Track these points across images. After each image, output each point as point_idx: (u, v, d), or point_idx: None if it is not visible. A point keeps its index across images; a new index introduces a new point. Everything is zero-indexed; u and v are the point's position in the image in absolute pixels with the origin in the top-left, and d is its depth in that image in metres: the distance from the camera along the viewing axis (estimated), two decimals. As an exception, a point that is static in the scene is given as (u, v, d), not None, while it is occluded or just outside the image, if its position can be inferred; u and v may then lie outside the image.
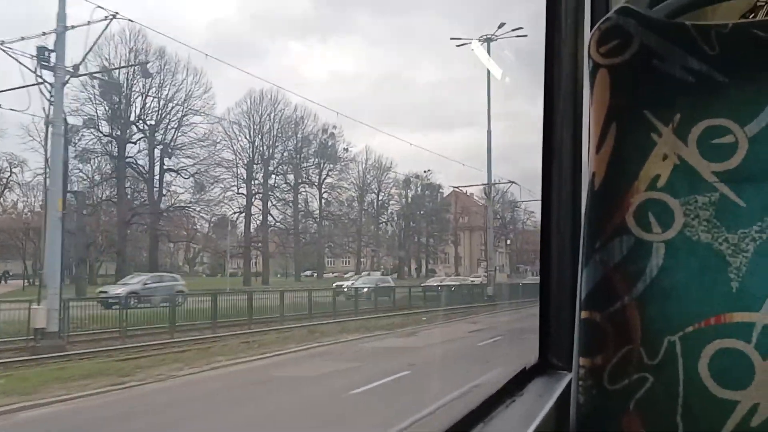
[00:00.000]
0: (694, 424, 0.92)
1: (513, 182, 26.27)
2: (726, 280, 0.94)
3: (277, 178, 29.54)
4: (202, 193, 27.52)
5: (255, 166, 28.67)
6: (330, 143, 31.29)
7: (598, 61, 1.03)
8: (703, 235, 0.96)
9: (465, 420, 1.08)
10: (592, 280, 0.98)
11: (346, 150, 31.20)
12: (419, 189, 34.96)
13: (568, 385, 1.12)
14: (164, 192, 26.60)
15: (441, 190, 34.85)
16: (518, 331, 12.54)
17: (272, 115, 29.06)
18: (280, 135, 29.45)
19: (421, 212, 35.39)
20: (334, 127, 29.45)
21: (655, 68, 1.01)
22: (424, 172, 33.74)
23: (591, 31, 1.05)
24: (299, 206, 30.88)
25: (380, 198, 34.19)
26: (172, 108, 26.46)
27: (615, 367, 0.96)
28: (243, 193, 27.80)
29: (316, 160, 31.16)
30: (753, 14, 1.76)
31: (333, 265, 33.22)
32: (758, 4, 1.74)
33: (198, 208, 27.59)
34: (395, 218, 34.10)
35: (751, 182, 0.96)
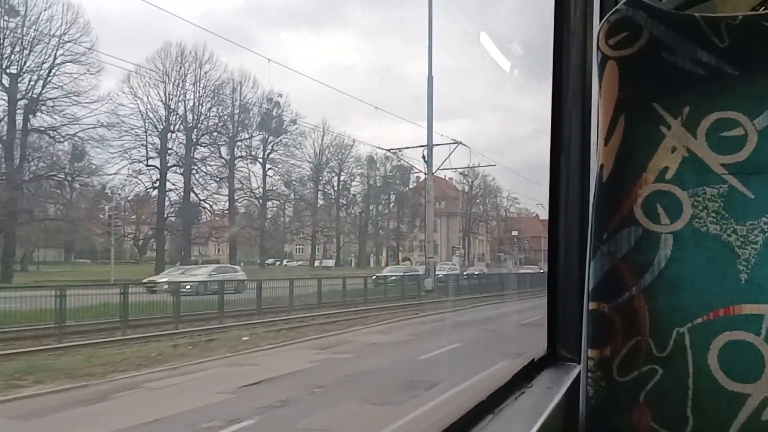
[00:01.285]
0: (705, 417, 0.92)
1: (459, 142, 21.92)
2: (735, 272, 0.94)
3: (204, 149, 23.82)
4: (84, 161, 20.92)
5: (172, 134, 22.88)
6: (275, 113, 25.72)
7: (607, 54, 1.03)
8: (712, 226, 0.96)
9: (473, 411, 1.08)
10: (600, 271, 0.99)
11: (294, 122, 25.76)
12: (389, 170, 31.47)
13: (577, 377, 1.13)
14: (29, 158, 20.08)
15: (414, 172, 31.31)
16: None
17: (198, 76, 23.13)
18: (209, 100, 23.62)
19: (391, 195, 32.34)
20: (280, 95, 24.25)
21: (664, 60, 1.01)
22: (394, 152, 29.82)
23: (600, 23, 1.04)
24: (242, 185, 25.46)
25: (342, 178, 29.92)
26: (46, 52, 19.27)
27: (624, 359, 0.97)
28: (154, 166, 22.14)
29: (258, 132, 25.86)
30: (764, 6, 1.75)
31: (301, 253, 29.96)
32: None
33: (73, 180, 21.11)
34: (359, 201, 30.60)
35: (760, 174, 0.96)
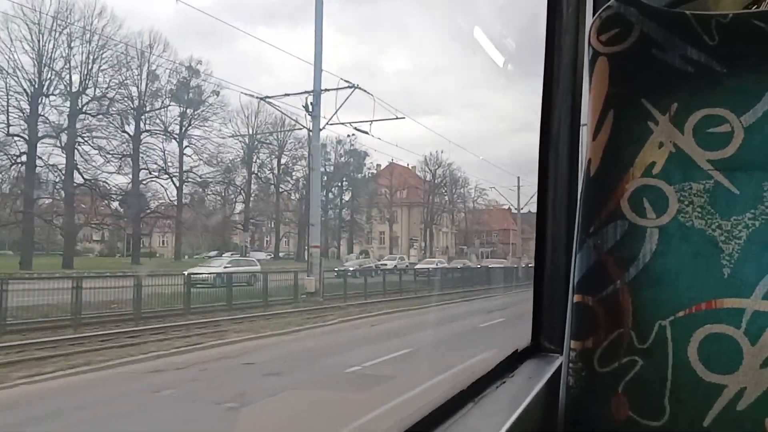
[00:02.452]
0: (681, 407, 0.94)
1: (355, 86, 17.00)
2: (718, 267, 0.96)
3: (95, 119, 19.00)
4: None
5: (47, 98, 17.85)
6: (193, 83, 20.95)
7: (598, 49, 1.04)
8: (697, 221, 0.97)
9: (455, 399, 1.09)
10: (586, 264, 1.00)
11: (216, 94, 20.82)
12: (341, 156, 28.17)
13: (559, 368, 1.14)
14: None
15: (368, 159, 28.17)
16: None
17: (88, 32, 18.52)
18: (105, 62, 19.09)
19: (344, 183, 28.96)
20: (199, 62, 19.86)
21: (654, 57, 1.02)
22: (348, 136, 26.49)
23: (592, 18, 1.05)
24: (155, 165, 20.86)
25: (282, 162, 25.89)
26: None
27: (605, 350, 0.98)
28: (22, 137, 17.33)
29: (173, 103, 21.07)
30: (756, 5, 1.76)
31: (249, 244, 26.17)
32: None
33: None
34: (301, 187, 26.39)
35: (746, 171, 0.97)
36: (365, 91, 17.77)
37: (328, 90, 16.95)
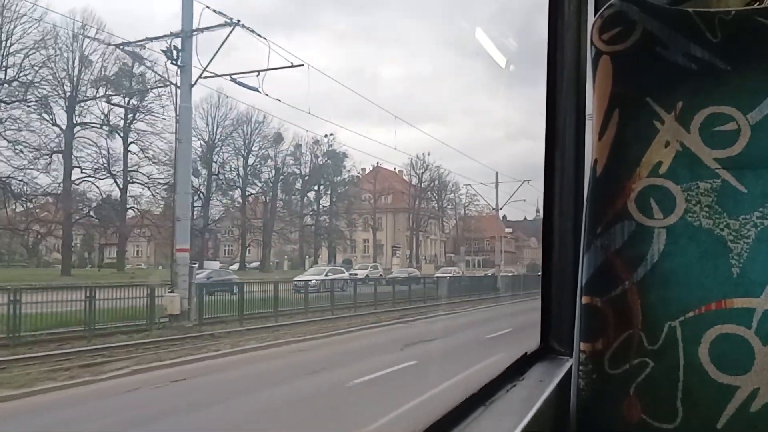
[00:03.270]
0: (694, 409, 0.93)
1: (236, 23, 13.68)
2: (727, 266, 0.95)
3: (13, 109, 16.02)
4: None
5: None
6: (137, 69, 18.07)
7: (601, 48, 1.03)
8: (705, 221, 0.96)
9: (465, 404, 1.09)
10: (593, 265, 0.99)
11: (166, 84, 17.23)
12: (319, 157, 26.06)
13: (569, 370, 1.13)
14: None
15: (347, 160, 25.73)
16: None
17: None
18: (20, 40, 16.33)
19: (321, 186, 26.52)
20: (143, 46, 16.60)
21: (657, 55, 1.01)
22: (326, 136, 24.70)
23: (594, 17, 1.04)
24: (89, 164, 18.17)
25: (250, 162, 23.52)
26: None
27: (615, 352, 0.97)
28: None
29: (110, 91, 18.13)
30: (759, 1, 1.75)
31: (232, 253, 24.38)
32: None
33: None
34: (271, 187, 23.84)
35: (753, 169, 0.96)
36: (254, 32, 14.02)
37: (200, 31, 12.69)
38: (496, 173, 25.04)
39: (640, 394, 0.95)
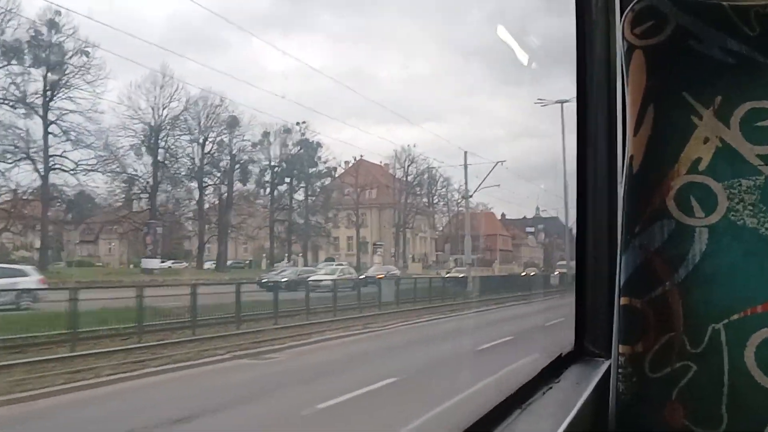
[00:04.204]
0: (741, 415, 0.90)
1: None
2: None
3: None
4: None
5: None
6: (54, 38, 15.51)
7: (633, 43, 1.01)
8: (749, 219, 0.94)
9: (502, 406, 1.07)
10: (632, 265, 0.97)
11: (86, 54, 15.28)
12: (290, 146, 23.40)
13: (606, 373, 1.11)
14: None
15: (321, 150, 23.47)
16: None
17: None
18: None
19: (294, 179, 23.88)
20: (59, 12, 14.43)
21: (692, 49, 0.99)
22: (298, 124, 21.95)
23: (624, 12, 1.03)
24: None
25: (207, 149, 20.63)
26: None
27: (656, 355, 0.95)
28: None
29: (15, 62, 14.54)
30: None
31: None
32: None
33: None
34: (227, 177, 21.37)
35: None
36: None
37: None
38: (465, 153, 22.40)
39: (683, 399, 0.93)
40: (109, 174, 18.02)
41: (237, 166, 22.07)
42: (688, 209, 0.96)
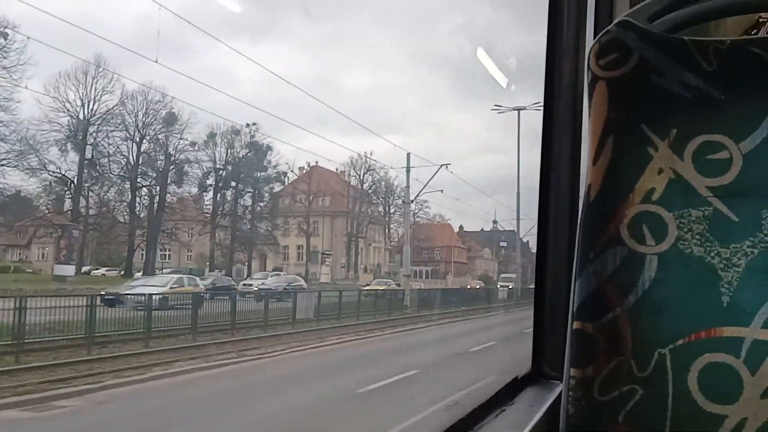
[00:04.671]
0: None
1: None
2: (717, 295, 0.94)
3: None
4: None
5: None
6: None
7: (597, 74, 1.03)
8: (696, 248, 0.96)
9: (454, 428, 1.08)
10: (585, 290, 0.99)
11: (5, 37, 13.29)
12: (239, 149, 21.79)
13: (560, 396, 1.12)
14: None
15: (271, 154, 22.04)
16: None
17: None
18: None
19: (240, 183, 22.07)
20: None
21: (653, 83, 1.01)
22: (247, 125, 20.74)
23: (591, 43, 1.05)
24: None
25: (143, 148, 18.79)
26: None
27: (605, 378, 0.96)
28: None
29: None
30: (755, 30, 1.76)
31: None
32: (761, 20, 1.75)
33: None
34: (161, 179, 19.18)
35: (744, 198, 0.96)
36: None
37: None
38: (408, 155, 21.25)
39: (629, 422, 0.94)
40: (26, 171, 15.46)
41: (172, 166, 19.48)
42: (640, 237, 0.98)
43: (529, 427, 1.09)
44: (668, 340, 0.94)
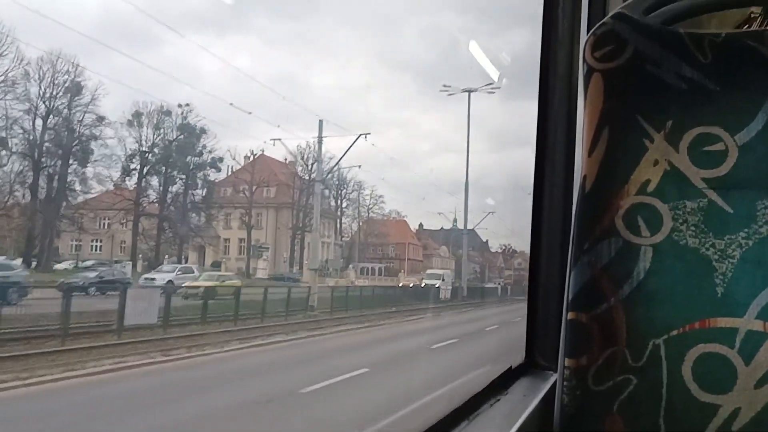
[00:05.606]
0: (677, 427, 0.93)
1: None
2: (711, 285, 0.95)
3: None
4: None
5: None
6: None
7: (593, 65, 1.03)
8: (691, 240, 0.97)
9: (449, 418, 1.08)
10: (580, 281, 0.99)
11: None
12: (171, 131, 19.20)
13: (554, 385, 1.13)
14: None
15: (206, 138, 19.85)
16: None
17: None
18: None
19: (167, 168, 19.54)
20: None
21: (648, 74, 1.01)
22: (180, 106, 18.55)
23: (587, 35, 1.05)
24: None
25: (50, 121, 15.87)
26: None
27: (600, 368, 0.97)
28: None
29: None
30: (747, 25, 1.78)
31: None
32: (752, 15, 1.76)
33: None
34: (63, 158, 16.34)
35: (739, 189, 0.97)
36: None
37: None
38: (320, 122, 19.03)
39: (623, 411, 0.95)
40: None
41: (76, 144, 16.52)
42: (635, 228, 0.99)
43: (524, 416, 1.10)
44: (663, 330, 0.95)
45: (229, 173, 22.45)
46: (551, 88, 1.58)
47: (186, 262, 19.84)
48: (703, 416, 0.92)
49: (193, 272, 16.96)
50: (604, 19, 1.04)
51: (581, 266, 1.00)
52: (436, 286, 22.68)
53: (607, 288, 0.98)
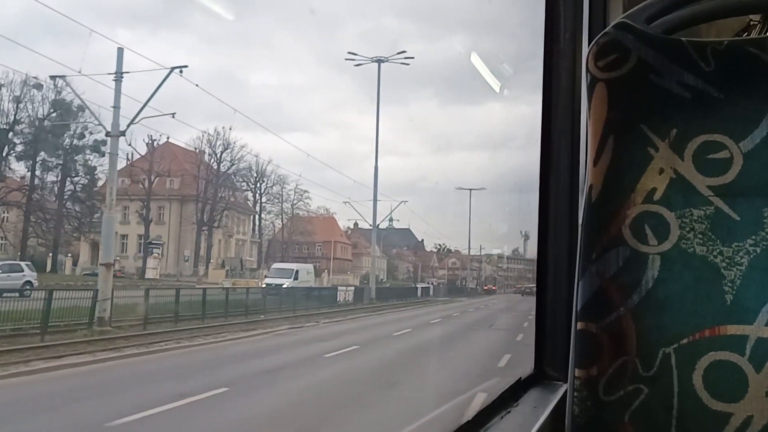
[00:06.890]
0: None
1: None
2: (720, 293, 0.95)
3: None
4: None
5: None
6: None
7: (596, 75, 1.04)
8: (699, 247, 0.97)
9: (460, 431, 1.08)
10: (588, 291, 0.99)
11: None
12: (38, 107, 16.09)
13: (564, 396, 1.13)
14: None
15: (84, 116, 16.60)
16: None
17: None
18: None
19: (38, 150, 16.49)
20: None
21: (652, 83, 1.02)
22: (52, 77, 16.00)
23: (589, 45, 1.06)
24: None
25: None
26: None
27: (610, 378, 0.97)
28: None
29: None
30: (746, 33, 1.78)
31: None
32: (752, 23, 1.77)
33: None
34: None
35: (745, 196, 0.97)
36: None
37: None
38: (118, 49, 16.26)
39: (635, 421, 0.95)
40: None
41: None
42: (642, 237, 0.99)
43: (535, 428, 1.09)
44: (673, 338, 0.95)
45: (129, 161, 19.58)
46: (554, 98, 1.58)
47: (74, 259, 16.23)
48: (715, 424, 0.92)
49: (23, 270, 13.90)
50: (606, 29, 1.05)
51: (589, 276, 0.99)
52: (284, 286, 18.32)
53: (615, 297, 0.98)
